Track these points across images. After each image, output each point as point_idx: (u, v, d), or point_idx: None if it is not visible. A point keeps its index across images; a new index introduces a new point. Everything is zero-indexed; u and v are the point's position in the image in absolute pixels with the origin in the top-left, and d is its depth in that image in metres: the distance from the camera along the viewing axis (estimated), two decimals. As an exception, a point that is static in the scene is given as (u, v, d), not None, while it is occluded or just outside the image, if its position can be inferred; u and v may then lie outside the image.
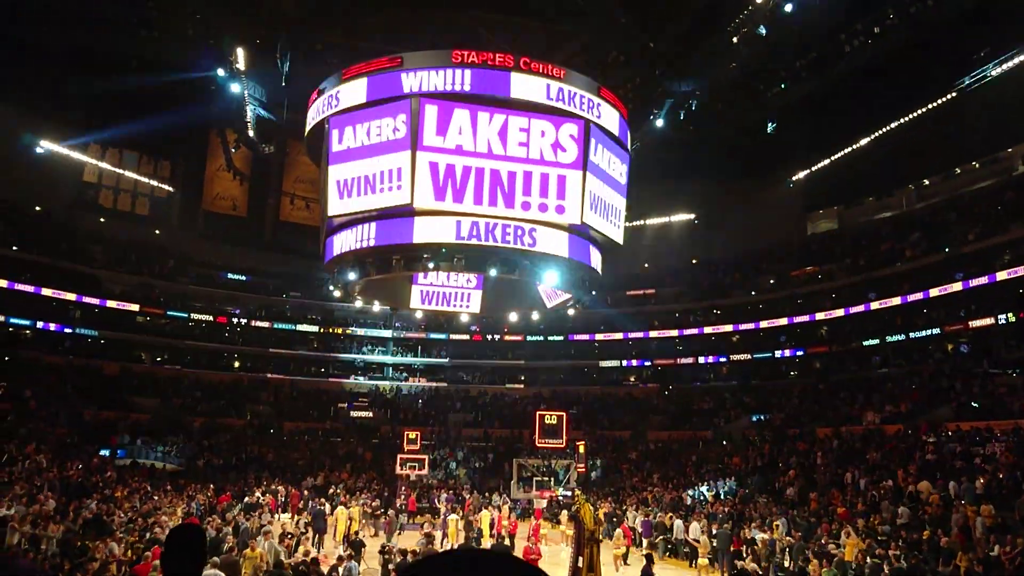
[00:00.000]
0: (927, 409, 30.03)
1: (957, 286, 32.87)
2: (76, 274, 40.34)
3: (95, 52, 32.91)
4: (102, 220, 44.28)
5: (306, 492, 31.18)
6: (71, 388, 37.04)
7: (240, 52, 27.16)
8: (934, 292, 34.12)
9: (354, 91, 18.10)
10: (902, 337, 35.76)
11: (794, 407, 37.91)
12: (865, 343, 37.72)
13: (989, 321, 31.45)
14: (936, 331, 34.28)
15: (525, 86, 17.65)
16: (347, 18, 22.93)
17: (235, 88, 29.61)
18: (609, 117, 19.00)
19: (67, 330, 39.86)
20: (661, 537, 24.16)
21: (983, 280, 31.73)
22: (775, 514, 23.06)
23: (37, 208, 41.28)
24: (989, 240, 32.34)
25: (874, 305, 36.95)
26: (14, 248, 37.53)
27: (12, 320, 37.42)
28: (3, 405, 31.80)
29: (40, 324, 38.52)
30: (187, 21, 26.59)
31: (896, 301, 35.69)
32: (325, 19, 23.55)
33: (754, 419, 39.00)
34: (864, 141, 37.96)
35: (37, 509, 19.20)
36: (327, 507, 25.17)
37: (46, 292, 38.20)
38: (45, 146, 39.87)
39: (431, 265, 18.41)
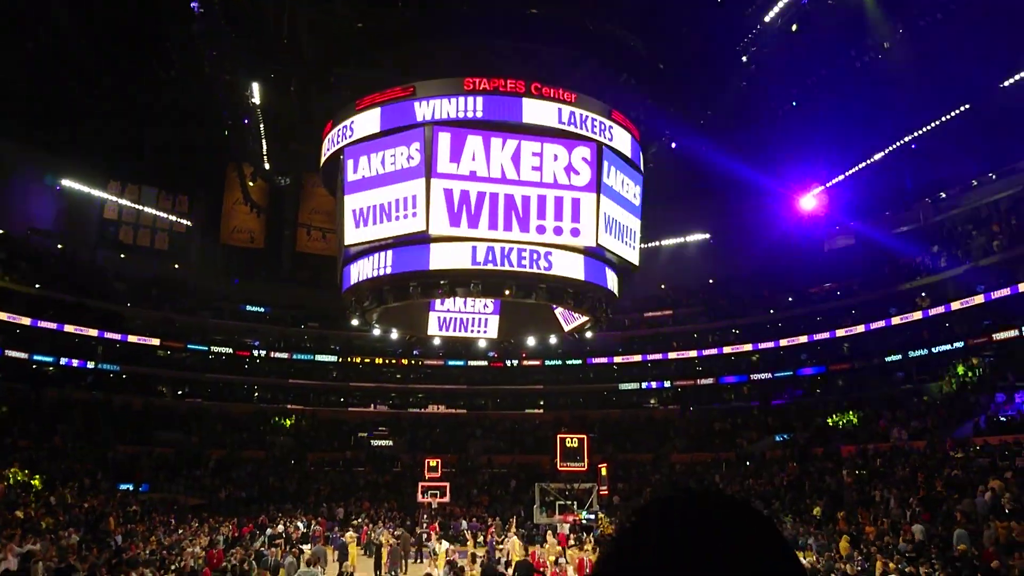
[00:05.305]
0: (953, 424, 29.57)
1: (979, 298, 32.44)
2: (98, 310, 40.76)
3: (114, 91, 33.50)
4: (123, 256, 44.89)
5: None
6: (96, 423, 37.27)
7: (255, 87, 27.64)
8: (956, 305, 33.68)
9: (368, 121, 18.31)
10: (925, 352, 35.37)
11: (818, 425, 37.45)
12: (888, 359, 37.33)
13: (1014, 333, 31.04)
14: (960, 344, 33.89)
15: (537, 111, 17.79)
16: (360, 50, 23.24)
17: (250, 122, 30.07)
18: (621, 139, 19.06)
19: (89, 365, 40.23)
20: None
21: (1006, 292, 31.31)
22: (801, 535, 22.70)
23: (60, 246, 41.93)
24: (1012, 251, 31.97)
25: (895, 320, 36.56)
26: (36, 286, 38.05)
27: (36, 357, 37.78)
28: (31, 442, 32.05)
29: (63, 360, 38.88)
30: (203, 59, 27.10)
31: (917, 315, 35.25)
32: (339, 52, 23.87)
33: (777, 439, 38.56)
34: (879, 155, 37.77)
35: (62, 543, 19.29)
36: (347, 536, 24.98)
37: (69, 329, 38.54)
38: (67, 185, 40.64)
39: (448, 292, 18.44)
